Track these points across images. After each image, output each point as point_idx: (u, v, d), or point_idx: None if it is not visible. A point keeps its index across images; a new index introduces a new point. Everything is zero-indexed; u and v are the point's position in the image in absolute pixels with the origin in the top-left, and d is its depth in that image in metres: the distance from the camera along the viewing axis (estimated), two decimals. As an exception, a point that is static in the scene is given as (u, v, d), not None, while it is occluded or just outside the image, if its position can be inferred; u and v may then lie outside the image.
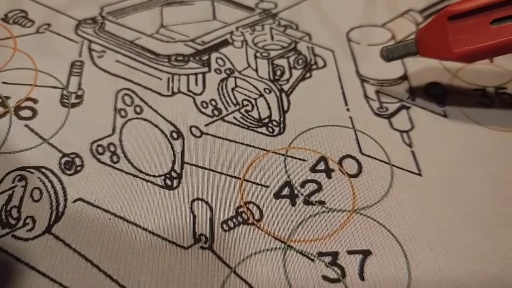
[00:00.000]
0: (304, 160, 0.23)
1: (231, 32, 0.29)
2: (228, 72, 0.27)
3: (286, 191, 0.22)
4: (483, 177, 0.23)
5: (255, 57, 0.28)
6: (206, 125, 0.25)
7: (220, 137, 0.24)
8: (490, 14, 0.21)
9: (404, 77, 0.27)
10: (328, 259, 0.20)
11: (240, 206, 0.21)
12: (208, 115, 0.25)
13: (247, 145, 0.24)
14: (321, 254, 0.20)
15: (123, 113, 0.25)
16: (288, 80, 0.27)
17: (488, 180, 0.23)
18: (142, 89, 0.26)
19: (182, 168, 0.23)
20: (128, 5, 0.31)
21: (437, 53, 0.23)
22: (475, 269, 0.20)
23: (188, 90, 0.26)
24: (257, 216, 0.21)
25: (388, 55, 0.24)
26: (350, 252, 0.20)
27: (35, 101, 0.25)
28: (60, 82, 0.26)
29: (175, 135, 0.24)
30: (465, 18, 0.22)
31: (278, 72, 0.27)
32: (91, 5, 0.30)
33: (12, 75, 0.26)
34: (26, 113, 0.24)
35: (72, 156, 0.23)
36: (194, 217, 0.21)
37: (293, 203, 0.22)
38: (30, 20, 0.29)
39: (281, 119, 0.25)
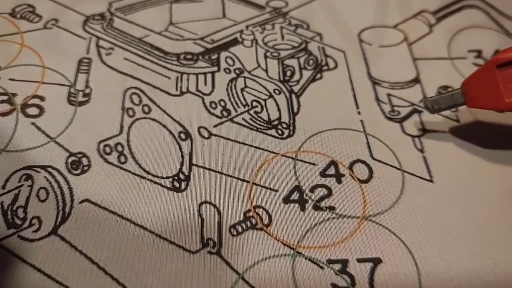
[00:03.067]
0: (314, 164, 0.23)
1: (241, 31, 0.29)
2: (237, 72, 0.27)
3: (295, 195, 0.22)
4: (496, 184, 0.22)
5: (265, 56, 0.28)
6: (215, 126, 0.24)
7: (228, 139, 0.24)
8: None
9: (416, 80, 0.27)
10: (337, 267, 0.19)
11: (249, 210, 0.21)
12: (217, 116, 0.25)
13: (256, 147, 0.23)
14: (330, 261, 0.20)
15: (131, 112, 0.24)
16: (298, 81, 0.26)
17: (501, 187, 0.22)
18: (150, 88, 0.26)
19: (190, 170, 0.22)
20: (137, 1, 0.30)
21: (487, 103, 0.21)
22: (486, 280, 0.19)
23: (197, 90, 0.26)
24: (265, 221, 0.21)
25: (433, 106, 0.23)
26: (360, 260, 0.20)
27: (42, 98, 0.25)
28: (68, 79, 0.26)
29: (183, 135, 0.24)
30: None
31: (288, 73, 0.27)
32: (99, 0, 0.30)
33: (19, 72, 0.26)
34: (33, 110, 0.24)
35: (79, 155, 0.23)
36: (202, 220, 0.21)
37: (303, 208, 0.21)
38: (38, 15, 0.29)
39: (291, 121, 0.25)
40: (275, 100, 0.25)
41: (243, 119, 0.25)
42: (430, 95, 0.25)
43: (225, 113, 0.25)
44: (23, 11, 0.29)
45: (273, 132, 0.24)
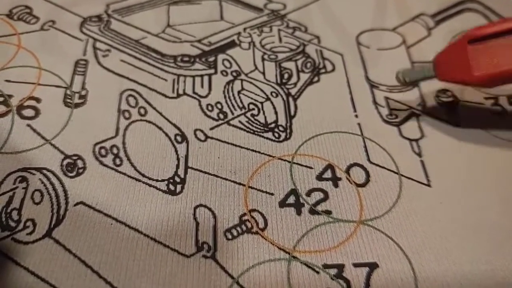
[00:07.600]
0: (311, 168, 0.23)
1: (239, 33, 0.29)
2: (234, 74, 0.26)
3: (291, 199, 0.22)
4: (493, 189, 0.22)
5: (263, 59, 0.27)
6: (211, 128, 0.24)
7: (225, 142, 0.24)
8: None
9: (414, 84, 0.27)
10: (333, 271, 0.19)
11: (244, 214, 0.21)
12: (213, 119, 0.25)
13: (253, 150, 0.23)
14: (326, 266, 0.19)
15: (127, 114, 0.24)
16: (295, 84, 0.26)
17: (498, 192, 0.22)
18: (147, 90, 0.25)
19: (186, 173, 0.22)
20: (134, 3, 0.30)
21: (457, 77, 0.22)
22: (483, 285, 0.19)
23: (194, 92, 0.26)
24: (261, 225, 0.21)
25: (404, 78, 0.24)
26: (356, 265, 0.19)
27: (38, 100, 0.25)
28: (64, 81, 0.26)
29: (179, 138, 0.24)
30: (487, 41, 0.21)
31: (286, 76, 0.27)
32: (96, 2, 0.30)
33: (16, 73, 0.26)
34: (28, 112, 0.24)
35: (74, 158, 0.22)
36: (197, 224, 0.21)
37: (299, 212, 0.21)
38: (35, 17, 0.29)
39: (288, 124, 0.24)
40: (272, 103, 0.25)
41: (240, 121, 0.25)
42: (410, 73, 0.24)
43: (221, 116, 0.25)
44: (21, 13, 0.29)
45: (269, 135, 0.24)
